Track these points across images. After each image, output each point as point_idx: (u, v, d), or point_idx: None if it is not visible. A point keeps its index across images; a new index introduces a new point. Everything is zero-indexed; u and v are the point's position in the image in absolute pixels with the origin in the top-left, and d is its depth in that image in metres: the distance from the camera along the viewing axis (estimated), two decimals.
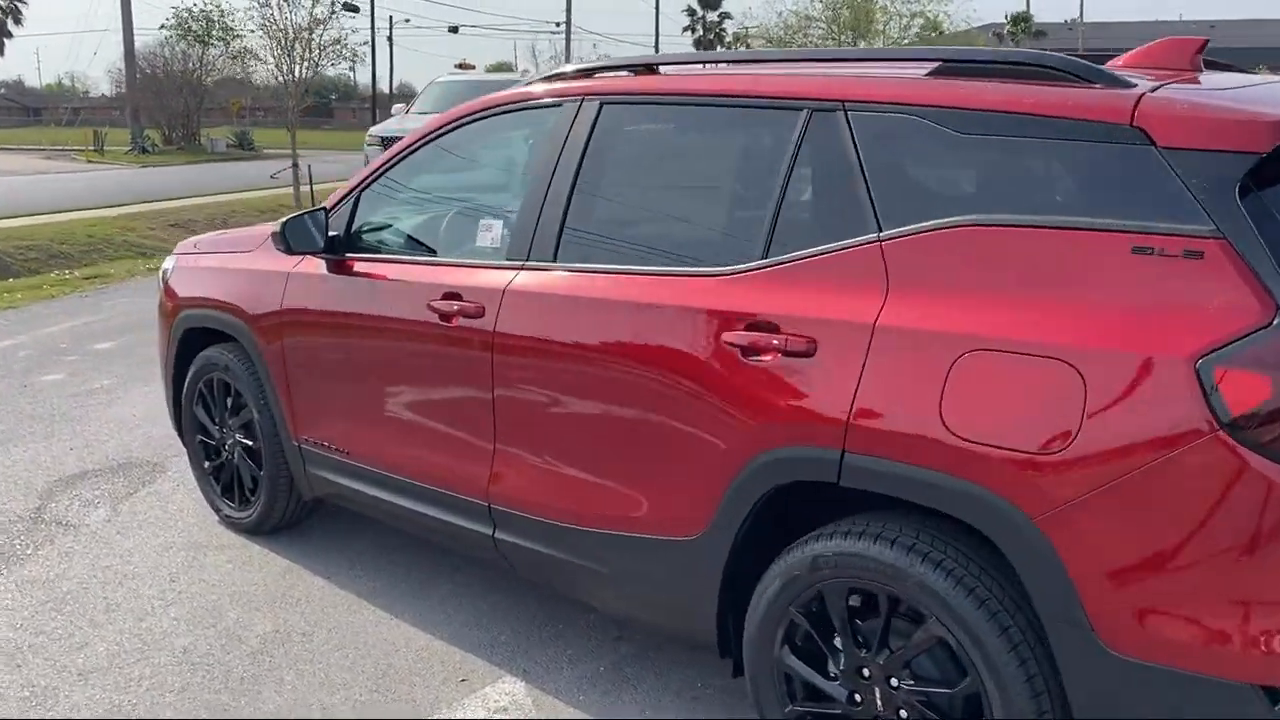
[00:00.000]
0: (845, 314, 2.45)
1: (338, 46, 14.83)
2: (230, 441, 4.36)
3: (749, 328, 2.60)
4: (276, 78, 14.66)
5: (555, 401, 3.05)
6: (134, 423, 5.87)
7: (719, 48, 72.91)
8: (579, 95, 3.20)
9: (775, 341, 2.53)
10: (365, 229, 3.79)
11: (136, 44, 35.98)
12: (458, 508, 3.39)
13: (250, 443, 4.25)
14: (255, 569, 4.09)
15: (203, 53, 38.80)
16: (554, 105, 3.28)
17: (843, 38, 29.19)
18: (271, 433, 4.09)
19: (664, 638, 3.38)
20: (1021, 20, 52.57)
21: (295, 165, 14.00)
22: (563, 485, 3.09)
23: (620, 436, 2.91)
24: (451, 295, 3.30)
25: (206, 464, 4.53)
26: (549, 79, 3.44)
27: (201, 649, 3.51)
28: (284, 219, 3.72)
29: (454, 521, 3.41)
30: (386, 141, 13.66)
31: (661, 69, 3.25)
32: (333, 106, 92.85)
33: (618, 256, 3.07)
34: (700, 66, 3.39)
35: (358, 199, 3.78)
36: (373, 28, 48.70)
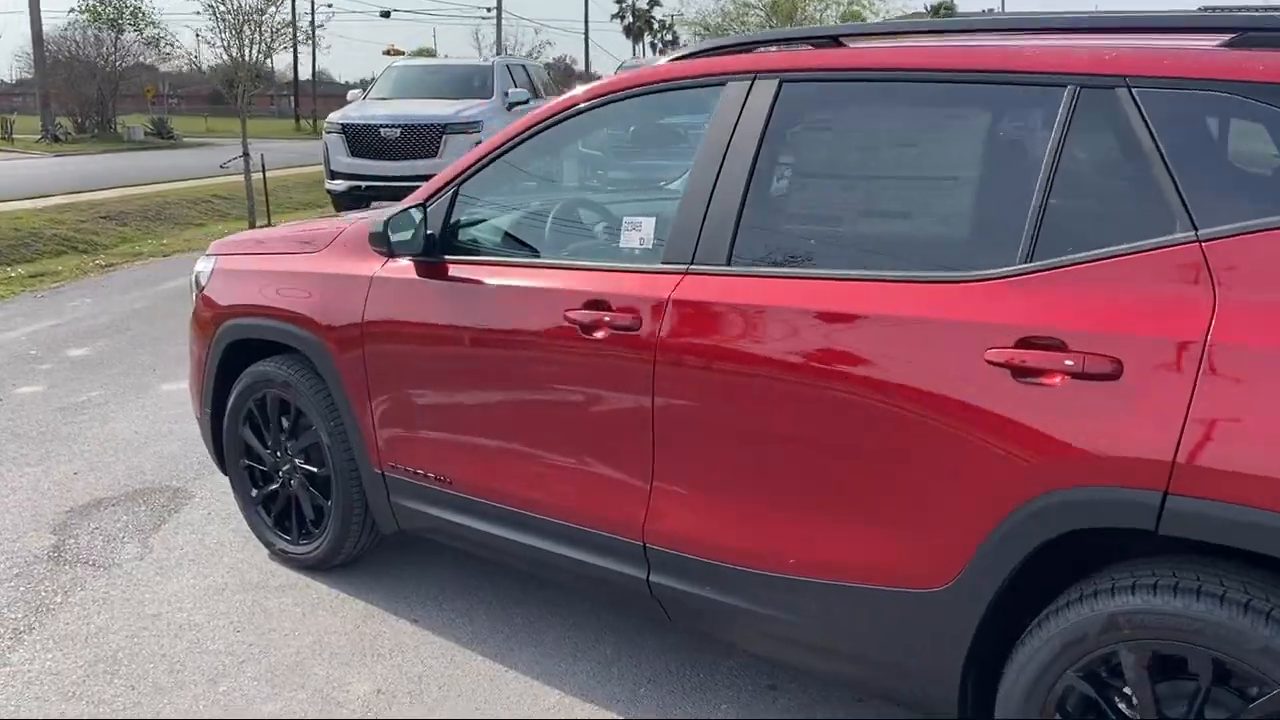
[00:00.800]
0: (1162, 329, 2.07)
1: (289, 30, 14.07)
2: (287, 467, 3.85)
3: (1020, 344, 2.21)
4: (224, 59, 13.85)
5: (744, 428, 2.63)
6: (139, 441, 5.28)
7: (647, 35, 72.46)
8: (747, 72, 2.78)
9: (1065, 362, 2.14)
10: (467, 227, 3.33)
11: (45, 28, 34.38)
12: (602, 548, 2.95)
13: (314, 469, 3.76)
14: (330, 613, 3.60)
15: (115, 38, 37.28)
16: (714, 84, 2.85)
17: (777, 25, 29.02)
18: (345, 458, 3.60)
19: (865, 693, 2.99)
20: (944, 10, 53.02)
21: (246, 154, 13.24)
22: (747, 525, 2.67)
23: (832, 471, 2.51)
24: (596, 303, 2.86)
25: (254, 492, 4.01)
26: (699, 55, 3.01)
27: (297, 716, 3.03)
28: (386, 216, 3.22)
29: (595, 563, 2.98)
30: (349, 129, 13.00)
31: (847, 41, 2.84)
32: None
33: (815, 260, 2.66)
34: (886, 39, 2.99)
35: (456, 193, 3.30)
36: (293, 11, 47.24)
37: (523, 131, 3.23)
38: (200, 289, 4.07)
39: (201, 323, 4.05)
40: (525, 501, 3.11)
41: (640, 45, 71.12)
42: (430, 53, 48.72)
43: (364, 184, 12.96)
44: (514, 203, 3.42)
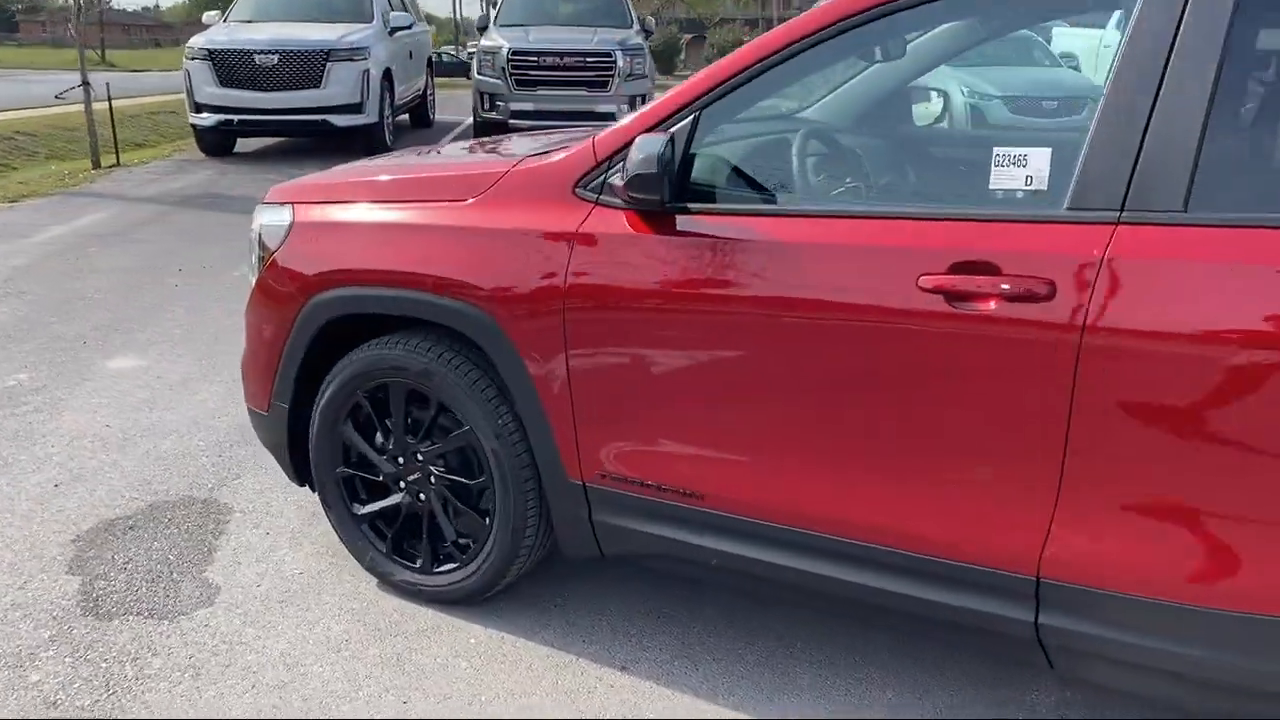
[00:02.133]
0: None
1: None
2: (416, 477, 2.99)
3: None
4: None
5: (1227, 436, 2.01)
6: (116, 437, 4.22)
7: None
8: None
9: None
10: (721, 167, 2.55)
11: None
12: (965, 582, 2.29)
13: (463, 478, 2.92)
14: (512, 667, 2.80)
15: None
16: None
17: None
18: (519, 465, 2.78)
19: None
20: None
21: (86, 84, 11.53)
22: (1212, 557, 2.06)
23: None
24: (971, 266, 2.16)
25: (360, 508, 3.13)
26: None
27: None
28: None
29: (948, 601, 2.31)
30: (216, 56, 11.46)
31: None
32: (18, 20, 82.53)
33: None
34: None
35: (697, 120, 2.51)
36: None
37: (783, 46, 2.46)
38: (268, 252, 3.11)
39: (274, 296, 3.10)
40: (836, 525, 2.40)
41: None
42: None
43: (236, 118, 11.54)
44: (792, 134, 2.64)
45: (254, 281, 3.20)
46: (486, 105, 12.23)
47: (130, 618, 2.98)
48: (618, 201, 2.56)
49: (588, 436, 2.66)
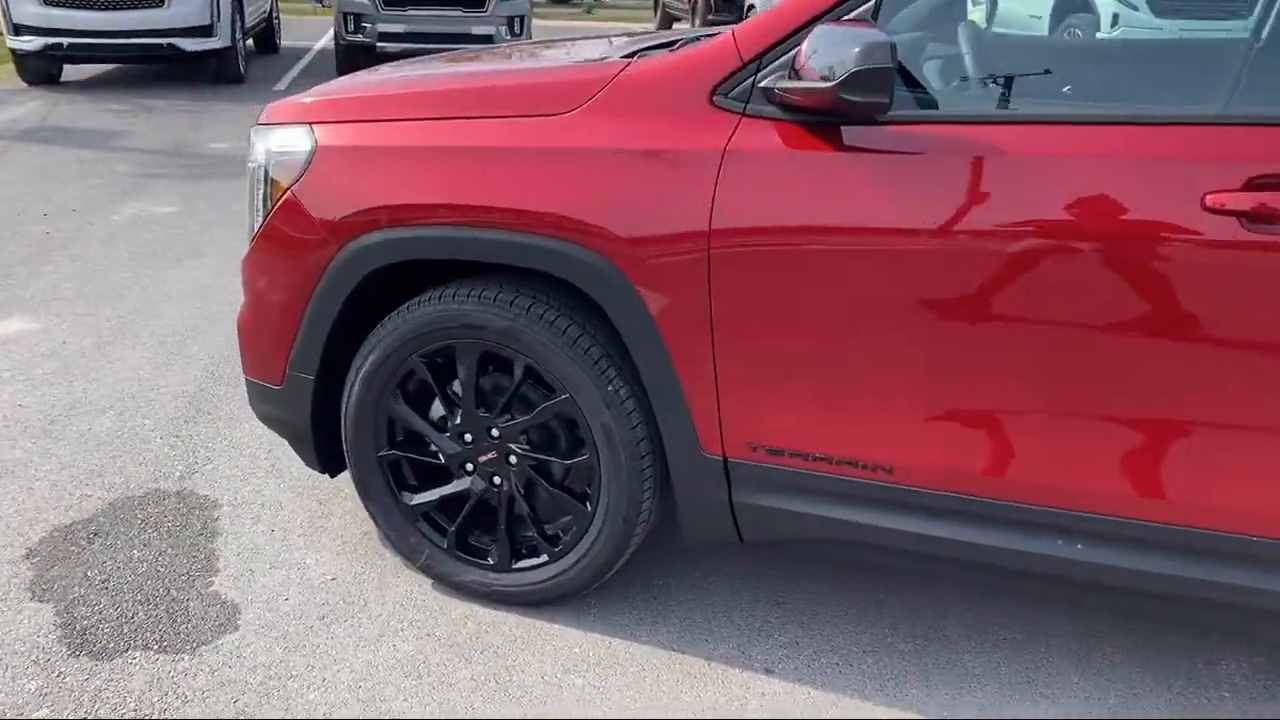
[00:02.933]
0: None
1: None
2: (491, 456, 2.46)
3: None
4: None
5: None
6: (33, 419, 3.47)
7: None
8: None
9: None
10: (933, 64, 2.08)
11: None
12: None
13: (556, 457, 2.41)
14: (637, 681, 2.33)
15: None
16: None
17: None
18: (636, 439, 2.29)
19: None
20: None
21: None
22: None
23: None
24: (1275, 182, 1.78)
25: (413, 499, 2.58)
26: None
27: None
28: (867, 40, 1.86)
29: (1255, 585, 1.96)
30: None
31: None
32: None
33: None
34: None
35: (879, 6, 2.03)
36: None
37: None
38: (279, 188, 2.48)
39: (291, 243, 2.48)
40: (1092, 500, 2.01)
41: None
42: None
43: (66, 41, 10.21)
44: (1005, 27, 2.18)
45: (257, 227, 2.56)
46: (350, 27, 11.23)
47: (136, 654, 2.36)
48: (773, 111, 2.07)
49: (736, 402, 2.19)
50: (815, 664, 2.39)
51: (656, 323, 2.18)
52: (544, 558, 2.49)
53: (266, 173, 2.52)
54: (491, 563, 2.54)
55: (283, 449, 3.15)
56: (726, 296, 2.11)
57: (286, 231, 2.48)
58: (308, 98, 2.60)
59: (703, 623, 2.52)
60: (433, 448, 2.54)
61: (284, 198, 2.47)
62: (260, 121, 2.60)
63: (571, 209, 2.18)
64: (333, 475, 2.76)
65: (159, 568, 2.67)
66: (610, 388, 2.28)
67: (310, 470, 2.76)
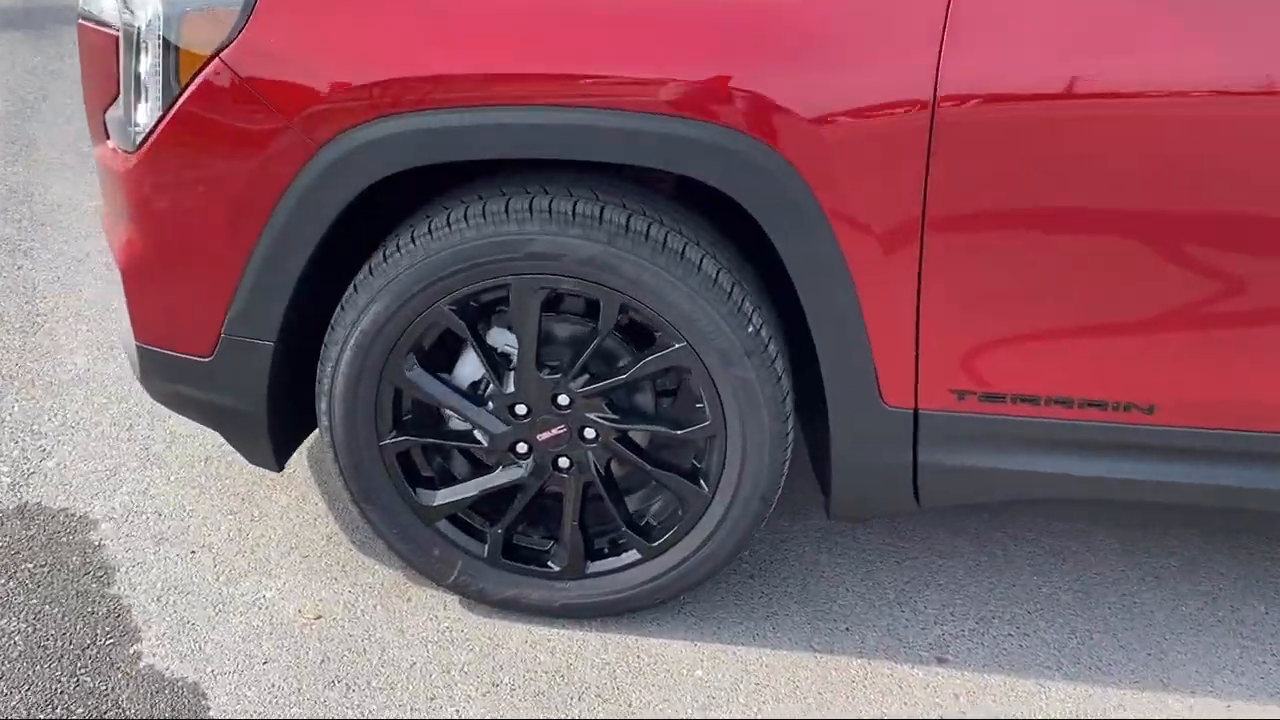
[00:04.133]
0: None
1: None
2: (558, 432, 1.76)
3: None
4: None
5: None
6: None
7: None
8: None
9: None
10: None
11: None
12: None
13: (662, 426, 1.76)
14: (788, 702, 1.78)
15: None
16: None
17: None
18: (779, 397, 1.68)
19: None
20: None
21: None
22: None
23: None
24: None
25: (438, 497, 1.84)
26: None
27: None
28: None
29: None
30: None
31: None
32: None
33: None
34: None
35: None
36: None
37: None
38: (204, 59, 1.58)
39: (229, 143, 1.61)
40: None
41: None
42: None
43: None
44: None
45: (144, 121, 1.65)
46: None
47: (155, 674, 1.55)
48: None
49: (945, 338, 1.61)
50: (989, 645, 1.91)
51: (840, 243, 1.54)
52: (634, 555, 1.85)
53: (162, 36, 1.60)
54: (556, 569, 1.86)
55: (144, 423, 2.28)
56: (951, 189, 1.50)
57: (215, 125, 1.60)
58: None
59: (838, 613, 1.97)
60: (456, 427, 1.81)
61: (205, 71, 1.57)
62: None
63: (713, 77, 1.47)
64: (280, 470, 1.95)
65: (42, 648, 1.80)
66: (750, 329, 1.63)
67: (212, 449, 1.95)
